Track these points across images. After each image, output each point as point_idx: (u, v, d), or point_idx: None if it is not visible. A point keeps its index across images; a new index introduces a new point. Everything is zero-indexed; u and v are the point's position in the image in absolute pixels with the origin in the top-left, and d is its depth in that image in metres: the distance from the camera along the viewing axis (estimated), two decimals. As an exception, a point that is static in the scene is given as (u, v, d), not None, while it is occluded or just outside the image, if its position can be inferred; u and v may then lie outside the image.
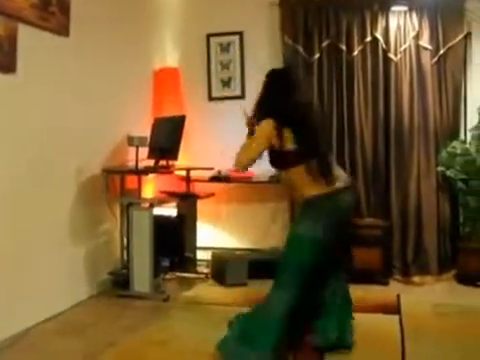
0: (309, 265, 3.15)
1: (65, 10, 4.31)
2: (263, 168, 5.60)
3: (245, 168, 3.47)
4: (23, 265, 3.93)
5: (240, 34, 6.01)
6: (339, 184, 3.28)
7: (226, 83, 6.11)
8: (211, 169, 5.57)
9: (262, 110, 3.39)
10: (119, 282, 4.93)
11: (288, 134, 3.20)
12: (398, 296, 4.77)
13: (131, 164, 4.88)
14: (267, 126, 3.26)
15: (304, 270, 3.15)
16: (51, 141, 4.23)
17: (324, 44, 5.65)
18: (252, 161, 3.37)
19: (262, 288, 4.88)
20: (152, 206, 4.83)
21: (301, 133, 3.22)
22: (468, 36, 5.49)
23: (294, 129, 3.21)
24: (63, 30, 4.32)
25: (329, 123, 5.64)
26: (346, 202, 3.33)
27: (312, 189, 3.21)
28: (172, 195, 5.29)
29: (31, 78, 4.00)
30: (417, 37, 5.49)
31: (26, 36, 3.88)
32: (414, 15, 5.49)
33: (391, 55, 5.54)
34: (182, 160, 5.27)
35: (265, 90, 3.47)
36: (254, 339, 3.15)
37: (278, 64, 5.58)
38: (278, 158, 3.33)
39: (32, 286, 4.00)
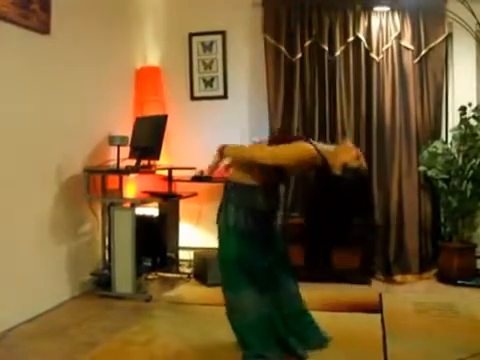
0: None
1: (46, 8, 4.27)
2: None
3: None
4: (3, 265, 3.89)
5: (223, 33, 6.00)
6: None
7: (208, 83, 6.10)
8: (193, 169, 5.55)
9: None
10: (101, 282, 4.91)
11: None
12: (380, 295, 4.79)
13: (112, 164, 4.86)
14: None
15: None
16: (31, 141, 4.19)
17: (306, 44, 5.65)
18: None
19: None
20: (134, 206, 4.81)
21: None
22: (449, 37, 5.55)
23: None
24: (44, 28, 4.28)
25: (311, 123, 5.65)
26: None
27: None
28: (154, 195, 5.26)
29: (11, 76, 3.96)
30: (399, 37, 5.52)
31: (6, 34, 3.85)
32: (396, 15, 5.52)
33: (373, 55, 5.56)
34: (164, 160, 5.25)
35: None
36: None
37: (261, 64, 5.60)
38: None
39: (12, 287, 3.96)
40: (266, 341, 3.21)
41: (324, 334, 3.54)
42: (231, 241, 3.26)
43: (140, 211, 5.10)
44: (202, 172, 5.52)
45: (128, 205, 4.88)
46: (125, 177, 5.15)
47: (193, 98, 6.13)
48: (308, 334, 3.48)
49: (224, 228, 3.32)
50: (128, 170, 4.81)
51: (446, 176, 5.32)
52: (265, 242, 3.35)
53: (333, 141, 5.62)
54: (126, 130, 5.13)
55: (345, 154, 3.04)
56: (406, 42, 5.51)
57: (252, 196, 3.28)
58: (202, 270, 5.27)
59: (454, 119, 5.52)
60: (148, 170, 5.06)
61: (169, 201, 5.51)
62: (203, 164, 5.54)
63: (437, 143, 5.38)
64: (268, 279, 3.34)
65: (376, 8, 5.54)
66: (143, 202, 5.15)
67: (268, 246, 3.36)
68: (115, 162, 4.76)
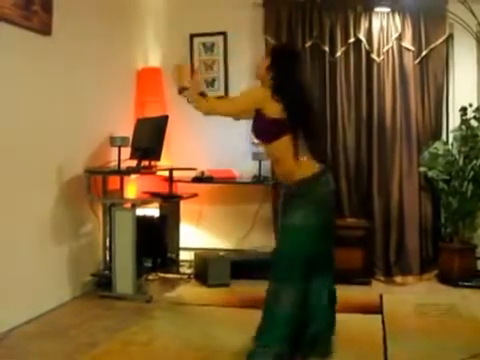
0: (308, 255, 3.15)
1: (48, 9, 4.27)
2: (246, 169, 5.69)
3: (206, 112, 3.44)
4: (4, 266, 3.88)
5: (224, 34, 6.00)
6: (321, 166, 3.30)
7: (210, 83, 6.10)
8: (194, 169, 5.56)
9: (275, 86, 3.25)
10: (102, 283, 4.92)
11: (278, 106, 3.17)
12: (380, 296, 4.80)
13: (113, 164, 4.86)
14: (260, 92, 3.25)
15: (303, 261, 3.15)
16: (33, 141, 4.19)
17: (307, 45, 5.66)
18: (221, 113, 3.39)
19: (245, 288, 4.93)
20: (135, 207, 4.81)
21: (296, 111, 3.21)
22: (450, 38, 5.55)
23: (292, 110, 3.18)
24: (45, 29, 4.28)
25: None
26: (331, 184, 3.32)
27: (300, 169, 3.20)
28: (155, 196, 5.26)
29: (12, 77, 3.97)
30: (400, 38, 5.53)
31: (7, 35, 3.85)
32: (397, 16, 5.52)
33: (374, 56, 5.56)
34: (165, 161, 5.25)
35: (278, 67, 3.29)
36: (261, 333, 3.18)
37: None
38: (264, 126, 3.26)
39: (13, 288, 3.96)
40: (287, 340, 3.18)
41: (331, 347, 3.45)
42: (300, 239, 3.17)
43: (141, 212, 5.09)
44: (203, 173, 5.54)
45: (129, 206, 4.88)
46: (126, 178, 5.15)
47: (194, 99, 6.12)
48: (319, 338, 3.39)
49: (292, 227, 3.23)
50: (129, 171, 4.82)
51: (447, 177, 5.32)
52: (326, 228, 3.29)
53: (332, 143, 5.65)
54: (127, 131, 5.14)
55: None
56: (407, 43, 5.51)
57: (315, 186, 3.23)
58: (203, 271, 5.28)
59: (455, 120, 5.52)
60: (149, 171, 5.06)
61: (170, 202, 5.51)
62: (204, 165, 5.60)
63: (438, 144, 5.39)
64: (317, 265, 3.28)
65: (377, 9, 5.54)
66: (144, 203, 5.15)
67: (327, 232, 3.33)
68: (116, 163, 4.76)
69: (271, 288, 3.22)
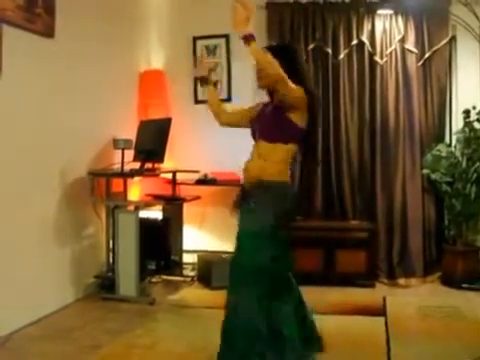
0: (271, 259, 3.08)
1: (51, 12, 4.28)
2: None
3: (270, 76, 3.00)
4: (7, 268, 3.89)
5: (226, 37, 6.00)
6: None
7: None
8: (197, 172, 5.56)
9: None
10: (105, 285, 4.91)
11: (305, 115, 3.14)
12: (384, 298, 4.79)
13: (117, 167, 4.86)
14: (299, 91, 3.08)
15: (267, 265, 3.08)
16: (36, 143, 4.20)
17: (310, 47, 5.66)
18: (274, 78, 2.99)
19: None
20: (138, 209, 4.82)
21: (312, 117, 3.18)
22: (453, 40, 5.54)
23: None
24: (48, 32, 4.29)
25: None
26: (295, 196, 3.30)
27: (283, 175, 3.16)
28: (158, 198, 5.27)
29: (16, 80, 3.97)
30: (403, 40, 5.53)
31: (11, 38, 3.86)
32: (400, 19, 5.53)
33: (377, 58, 5.56)
34: (168, 163, 5.25)
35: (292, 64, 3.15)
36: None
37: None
38: (285, 127, 3.14)
39: (16, 290, 3.97)
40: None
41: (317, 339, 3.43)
42: (258, 246, 3.09)
43: (144, 214, 5.10)
44: (206, 175, 5.54)
45: (132, 208, 4.89)
46: (129, 180, 5.15)
47: (197, 101, 6.14)
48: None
49: (249, 232, 3.14)
50: (132, 173, 4.82)
51: (450, 179, 5.32)
52: (285, 243, 3.25)
53: (335, 146, 5.65)
54: (130, 133, 5.14)
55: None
56: (410, 45, 5.52)
57: (285, 195, 3.17)
58: (206, 273, 5.28)
59: (458, 122, 5.51)
60: (152, 173, 5.07)
61: (173, 204, 5.51)
62: (207, 167, 5.60)
63: (441, 146, 5.38)
64: (283, 283, 3.24)
65: (380, 11, 5.54)
66: (147, 205, 5.16)
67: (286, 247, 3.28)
68: (119, 165, 4.77)
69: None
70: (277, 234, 3.13)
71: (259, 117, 3.32)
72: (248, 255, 3.11)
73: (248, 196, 3.22)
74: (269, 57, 2.97)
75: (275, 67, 2.94)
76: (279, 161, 3.15)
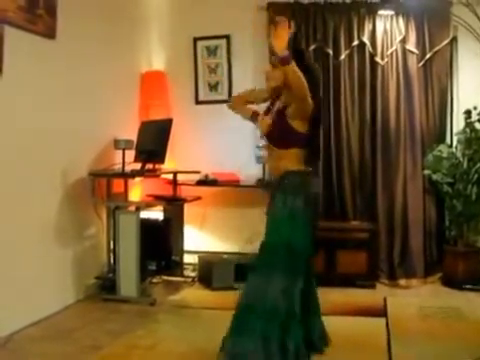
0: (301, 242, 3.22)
1: (52, 13, 4.28)
2: (250, 172, 5.68)
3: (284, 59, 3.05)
4: (8, 268, 3.89)
5: (227, 38, 6.01)
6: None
7: (213, 87, 6.11)
8: (198, 173, 5.56)
9: None
10: (106, 286, 4.91)
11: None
12: (384, 299, 4.79)
13: (118, 167, 4.87)
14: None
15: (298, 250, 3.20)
16: (37, 144, 4.20)
17: (311, 48, 5.65)
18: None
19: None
20: (139, 210, 4.82)
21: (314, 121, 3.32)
22: (454, 41, 5.54)
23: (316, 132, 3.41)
24: (50, 33, 4.29)
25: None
26: (319, 187, 3.41)
27: (295, 165, 3.32)
28: (159, 199, 5.27)
29: (17, 80, 3.98)
30: (404, 41, 5.53)
31: (12, 38, 3.86)
32: (401, 19, 5.53)
33: (378, 59, 5.56)
34: (169, 164, 5.25)
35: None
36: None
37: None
38: (290, 135, 3.31)
39: (17, 290, 3.96)
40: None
41: (324, 339, 3.52)
42: (292, 227, 3.23)
43: (145, 215, 5.10)
44: (207, 176, 5.54)
45: (133, 209, 4.89)
46: (130, 181, 5.15)
47: (198, 102, 6.14)
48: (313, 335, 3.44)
49: (278, 216, 3.29)
50: (133, 174, 4.82)
51: (451, 180, 5.32)
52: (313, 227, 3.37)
53: (336, 146, 5.65)
54: (131, 134, 5.14)
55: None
56: (411, 46, 5.51)
57: (306, 181, 3.33)
58: (207, 274, 5.28)
59: (459, 123, 5.51)
60: (153, 174, 5.07)
61: (174, 205, 5.51)
62: (208, 168, 5.60)
63: (442, 147, 5.39)
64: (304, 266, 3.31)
65: (380, 12, 5.54)
66: (148, 206, 5.16)
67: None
68: (120, 166, 4.77)
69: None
70: (306, 217, 3.26)
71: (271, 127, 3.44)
72: (279, 236, 3.26)
73: (278, 185, 3.38)
74: (302, 79, 3.10)
75: (305, 87, 3.12)
76: (293, 158, 3.32)
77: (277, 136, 3.36)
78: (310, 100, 3.18)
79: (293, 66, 3.04)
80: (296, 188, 3.27)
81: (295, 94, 3.16)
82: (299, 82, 3.09)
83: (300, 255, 3.22)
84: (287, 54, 3.01)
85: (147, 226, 4.95)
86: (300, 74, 3.08)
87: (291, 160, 3.31)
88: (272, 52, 3.31)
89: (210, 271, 5.19)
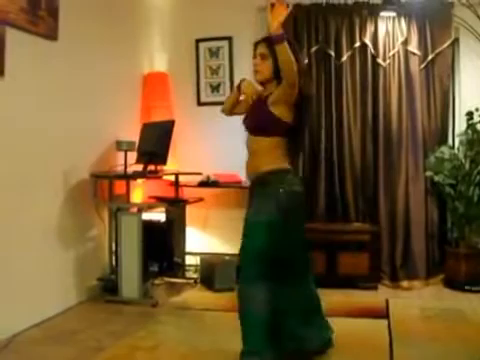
0: (269, 251, 3.11)
1: (54, 14, 4.29)
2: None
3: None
4: (10, 270, 3.89)
5: (229, 39, 6.01)
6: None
7: (215, 88, 6.11)
8: (200, 174, 5.56)
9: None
10: (108, 287, 4.92)
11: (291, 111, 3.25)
12: (387, 301, 4.78)
13: (120, 169, 4.87)
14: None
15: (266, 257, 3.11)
16: (38, 145, 4.21)
17: (313, 50, 5.66)
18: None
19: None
20: (141, 211, 4.82)
21: (299, 112, 3.28)
22: (456, 42, 5.54)
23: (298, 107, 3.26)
24: (52, 34, 4.30)
25: (317, 129, 5.66)
26: (300, 186, 3.33)
27: (274, 162, 3.25)
28: (161, 200, 5.27)
29: (19, 82, 3.98)
30: (405, 43, 5.52)
31: (14, 40, 3.87)
32: (403, 21, 5.52)
33: (380, 60, 5.56)
34: (171, 165, 5.26)
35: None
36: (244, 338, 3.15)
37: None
38: (271, 123, 3.26)
39: (19, 292, 3.97)
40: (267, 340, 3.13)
41: (329, 336, 3.51)
42: (259, 232, 3.15)
43: (147, 216, 5.10)
44: (209, 177, 5.54)
45: (135, 210, 4.89)
46: (132, 182, 5.16)
47: (200, 104, 6.15)
48: (314, 334, 3.43)
49: (255, 219, 3.21)
50: (135, 175, 4.83)
51: (453, 181, 5.31)
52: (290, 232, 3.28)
53: (338, 148, 5.65)
54: (133, 135, 5.15)
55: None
56: (412, 47, 5.51)
57: (288, 178, 3.26)
58: (209, 275, 5.28)
59: (461, 124, 5.51)
60: (155, 175, 5.07)
61: (176, 206, 5.52)
62: (210, 169, 5.60)
63: (444, 148, 5.38)
64: (287, 272, 3.27)
65: (382, 13, 5.53)
66: (150, 207, 5.17)
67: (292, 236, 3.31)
68: (122, 167, 4.77)
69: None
70: (282, 222, 3.17)
71: (249, 112, 3.44)
72: (251, 240, 3.19)
73: (254, 188, 3.34)
74: (294, 60, 3.09)
75: (295, 70, 3.10)
76: (272, 153, 3.26)
77: (256, 124, 3.32)
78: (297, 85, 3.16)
79: (286, 45, 3.04)
80: (276, 189, 3.19)
81: (285, 75, 3.11)
82: (290, 62, 3.06)
83: (265, 260, 3.13)
84: (282, 33, 3.03)
85: (149, 227, 4.96)
86: (292, 55, 3.07)
87: (270, 156, 3.24)
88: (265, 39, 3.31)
89: (212, 273, 5.19)
